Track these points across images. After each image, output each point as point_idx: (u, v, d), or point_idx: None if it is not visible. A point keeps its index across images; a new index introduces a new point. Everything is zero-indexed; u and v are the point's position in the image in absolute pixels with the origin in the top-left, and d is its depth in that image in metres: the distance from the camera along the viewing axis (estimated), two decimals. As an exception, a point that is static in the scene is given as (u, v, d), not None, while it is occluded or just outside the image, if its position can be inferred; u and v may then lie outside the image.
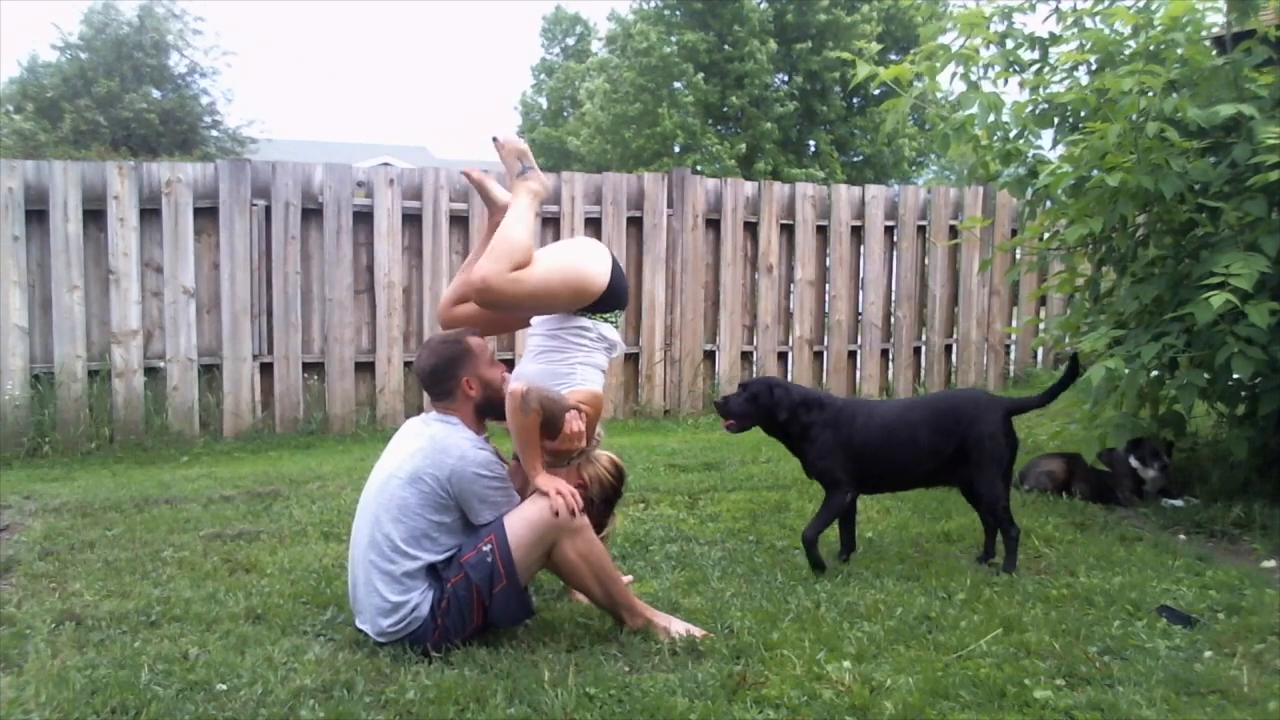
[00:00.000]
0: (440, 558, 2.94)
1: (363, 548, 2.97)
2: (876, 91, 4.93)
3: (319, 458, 6.08)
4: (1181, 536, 4.13)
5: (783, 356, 8.12)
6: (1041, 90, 4.93)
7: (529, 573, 2.96)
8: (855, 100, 24.04)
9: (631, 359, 7.67)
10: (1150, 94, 4.16)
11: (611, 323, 3.23)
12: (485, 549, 2.91)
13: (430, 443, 2.98)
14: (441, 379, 3.07)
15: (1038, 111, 4.88)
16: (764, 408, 3.72)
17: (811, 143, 25.42)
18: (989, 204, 8.33)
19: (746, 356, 7.98)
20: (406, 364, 7.12)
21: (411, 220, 7.11)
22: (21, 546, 4.05)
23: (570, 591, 3.35)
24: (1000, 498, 3.68)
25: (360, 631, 3.01)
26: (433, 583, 2.91)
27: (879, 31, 23.38)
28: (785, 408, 3.71)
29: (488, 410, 3.09)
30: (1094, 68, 4.84)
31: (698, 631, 3.01)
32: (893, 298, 8.37)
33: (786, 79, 24.46)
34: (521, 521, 2.93)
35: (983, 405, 3.78)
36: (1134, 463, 4.60)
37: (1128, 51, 4.56)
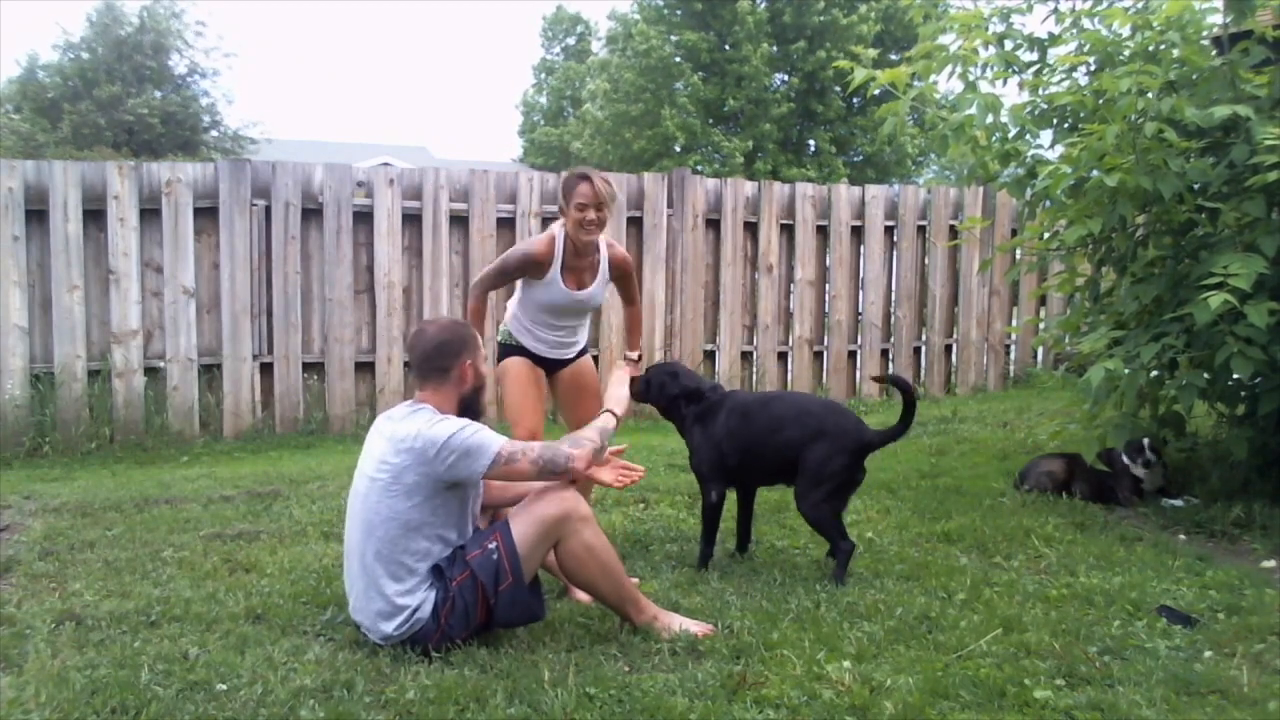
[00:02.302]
0: (438, 553, 2.92)
1: (357, 556, 2.95)
2: (876, 91, 4.92)
3: (319, 458, 6.08)
4: (1181, 536, 4.13)
5: (783, 356, 8.12)
6: (1040, 91, 4.93)
7: (533, 568, 2.96)
8: (855, 100, 24.03)
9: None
10: (1148, 94, 4.16)
11: None
12: (491, 546, 2.91)
13: (393, 441, 2.91)
14: (446, 355, 3.01)
15: (1036, 113, 4.88)
16: (654, 392, 3.90)
17: (811, 142, 25.42)
18: (989, 204, 8.33)
19: (746, 356, 7.99)
20: (406, 364, 7.12)
21: (411, 220, 7.11)
22: (21, 546, 4.05)
23: (570, 591, 3.35)
24: (823, 520, 3.56)
25: (360, 632, 3.01)
26: (435, 583, 2.90)
27: (877, 31, 23.36)
28: (667, 396, 3.87)
29: (471, 402, 3.07)
30: (1092, 69, 4.84)
31: (701, 628, 3.01)
32: (893, 298, 8.37)
33: (785, 79, 24.45)
34: (527, 517, 2.94)
35: (845, 426, 3.59)
36: (1125, 459, 4.60)
37: (1126, 52, 4.56)
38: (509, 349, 3.81)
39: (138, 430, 6.54)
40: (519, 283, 3.81)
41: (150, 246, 6.63)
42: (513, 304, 3.85)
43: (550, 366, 3.84)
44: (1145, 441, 4.55)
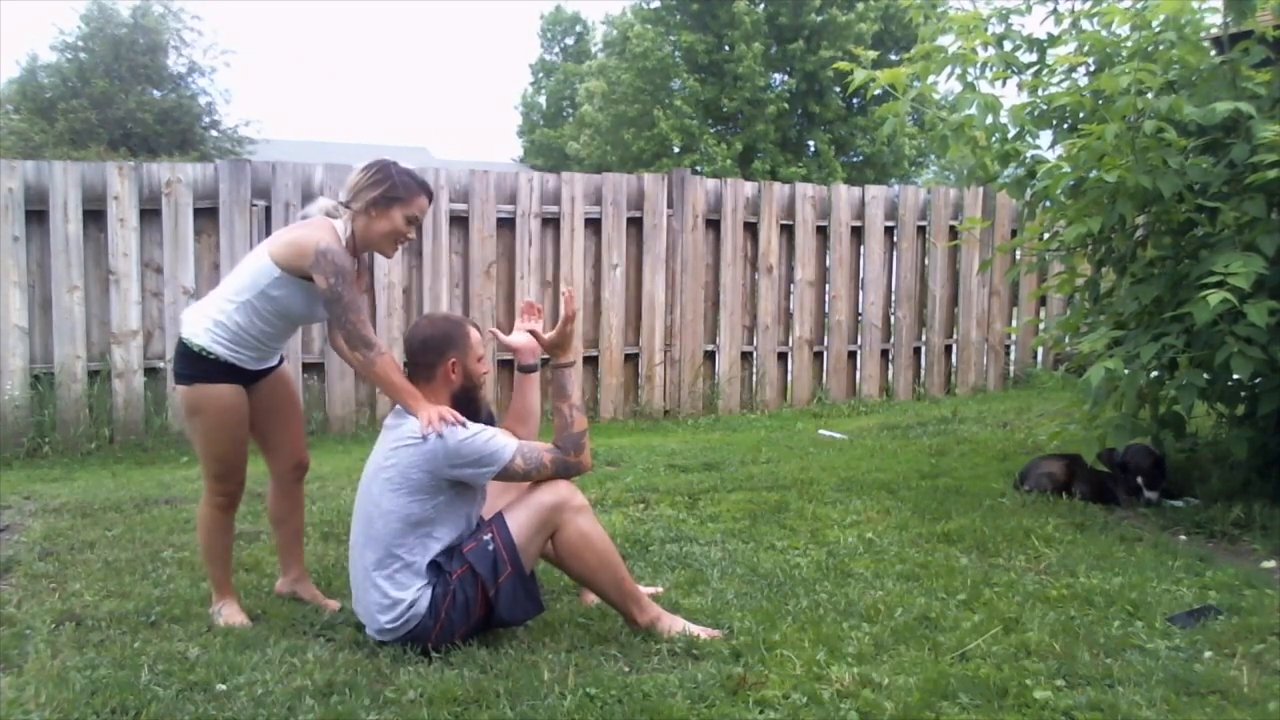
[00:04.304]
0: (436, 549, 2.91)
1: (357, 549, 2.97)
2: (877, 92, 4.92)
3: (319, 458, 6.04)
4: (1181, 536, 4.13)
5: (783, 357, 8.12)
6: (1040, 92, 4.93)
7: (532, 558, 2.95)
8: (854, 100, 24.04)
9: (631, 359, 7.67)
10: (1147, 94, 4.16)
11: None
12: (486, 538, 2.90)
13: (405, 436, 2.93)
14: (430, 351, 3.03)
15: (1035, 113, 4.88)
16: None
17: (811, 143, 25.43)
18: (989, 204, 8.34)
19: (746, 357, 7.99)
20: (406, 364, 7.12)
21: (411, 221, 7.09)
22: (21, 546, 4.05)
23: (581, 591, 3.34)
24: None
25: (361, 631, 3.01)
26: (433, 578, 2.89)
27: (876, 31, 23.36)
28: None
29: (463, 402, 3.05)
30: (1091, 69, 4.84)
31: (707, 633, 3.00)
32: (893, 298, 8.38)
33: (784, 79, 24.46)
34: (522, 507, 2.93)
35: None
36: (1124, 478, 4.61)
37: (1124, 53, 4.56)
38: (211, 369, 3.09)
39: (138, 430, 6.54)
40: (246, 281, 3.11)
41: (150, 247, 6.63)
42: (223, 306, 3.11)
43: (250, 379, 3.21)
44: (1139, 479, 4.55)
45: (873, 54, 4.94)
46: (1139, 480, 4.55)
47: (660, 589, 3.42)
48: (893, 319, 8.38)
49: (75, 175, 6.43)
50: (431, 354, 3.03)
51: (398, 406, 3.04)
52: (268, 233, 6.79)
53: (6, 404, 6.31)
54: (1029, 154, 4.89)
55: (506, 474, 2.94)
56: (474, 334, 3.11)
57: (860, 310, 8.32)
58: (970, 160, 5.04)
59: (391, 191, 3.13)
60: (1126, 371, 4.07)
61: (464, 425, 2.91)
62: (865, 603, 3.25)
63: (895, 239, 8.29)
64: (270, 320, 3.13)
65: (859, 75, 4.73)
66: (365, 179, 3.15)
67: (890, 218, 8.24)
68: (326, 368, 6.95)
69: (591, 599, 3.24)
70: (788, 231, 8.02)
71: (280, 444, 3.39)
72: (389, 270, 7.02)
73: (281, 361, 3.38)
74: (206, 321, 3.10)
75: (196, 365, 3.10)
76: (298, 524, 3.49)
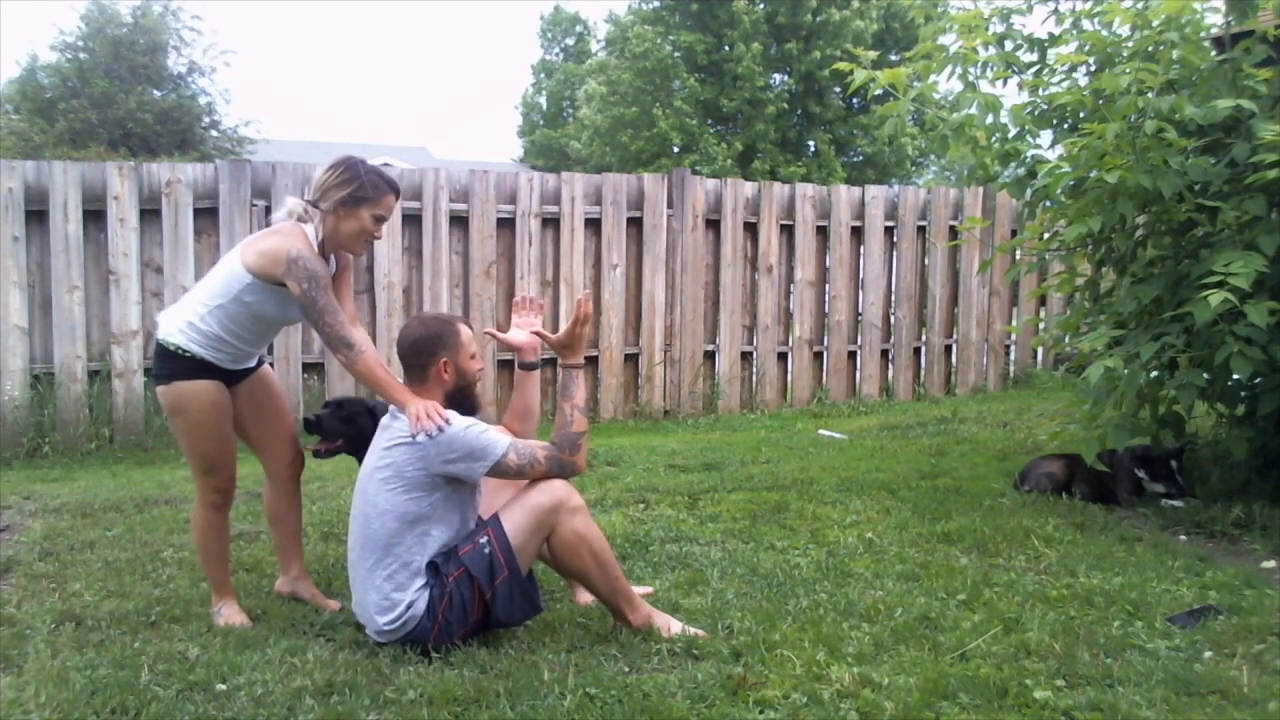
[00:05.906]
0: (434, 548, 2.91)
1: (356, 549, 2.97)
2: (878, 92, 4.92)
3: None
4: (1181, 537, 4.13)
5: (783, 357, 8.12)
6: (1040, 91, 4.93)
7: (528, 560, 2.94)
8: (854, 100, 24.05)
9: (631, 359, 7.67)
10: (1148, 93, 4.16)
11: None
12: (482, 541, 2.89)
13: (398, 434, 2.93)
14: (421, 352, 3.01)
15: (1036, 113, 4.88)
16: (360, 429, 3.39)
17: (811, 143, 25.44)
18: (989, 204, 8.34)
19: (746, 357, 7.99)
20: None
21: (411, 220, 7.11)
22: (21, 546, 4.05)
23: (573, 591, 3.34)
24: None
25: (361, 631, 3.01)
26: (431, 580, 2.89)
27: (877, 30, 23.37)
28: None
29: (458, 400, 3.04)
30: (1092, 69, 4.84)
31: (697, 634, 3.00)
32: (893, 298, 8.37)
33: (784, 78, 24.47)
34: (519, 508, 2.92)
35: None
36: (1140, 473, 4.60)
37: (1125, 52, 4.56)
38: (189, 366, 3.10)
39: (138, 430, 6.54)
40: (219, 287, 3.12)
41: (150, 247, 6.63)
42: (197, 309, 3.12)
43: (229, 379, 3.21)
44: (1173, 462, 4.59)
45: (873, 54, 4.93)
46: (1172, 464, 4.59)
47: (652, 589, 3.42)
48: (893, 319, 8.38)
49: (75, 175, 6.43)
50: (423, 355, 3.02)
51: (393, 406, 3.03)
52: (268, 233, 6.81)
53: (6, 404, 6.31)
54: (1029, 154, 4.89)
55: (500, 469, 2.92)
56: (465, 332, 3.09)
57: (860, 310, 8.32)
58: (970, 160, 5.03)
59: (360, 191, 3.12)
60: (1126, 371, 4.06)
61: (449, 422, 2.89)
62: (865, 603, 3.25)
63: (895, 239, 8.29)
64: (244, 324, 3.13)
65: (860, 75, 4.73)
66: (333, 178, 3.13)
67: (890, 218, 8.24)
68: (326, 368, 6.95)
69: (586, 598, 3.24)
70: (788, 231, 8.02)
71: (270, 442, 3.40)
72: (389, 270, 7.02)
73: (260, 363, 3.38)
74: (181, 322, 3.12)
75: (173, 364, 3.12)
76: (295, 522, 3.49)
